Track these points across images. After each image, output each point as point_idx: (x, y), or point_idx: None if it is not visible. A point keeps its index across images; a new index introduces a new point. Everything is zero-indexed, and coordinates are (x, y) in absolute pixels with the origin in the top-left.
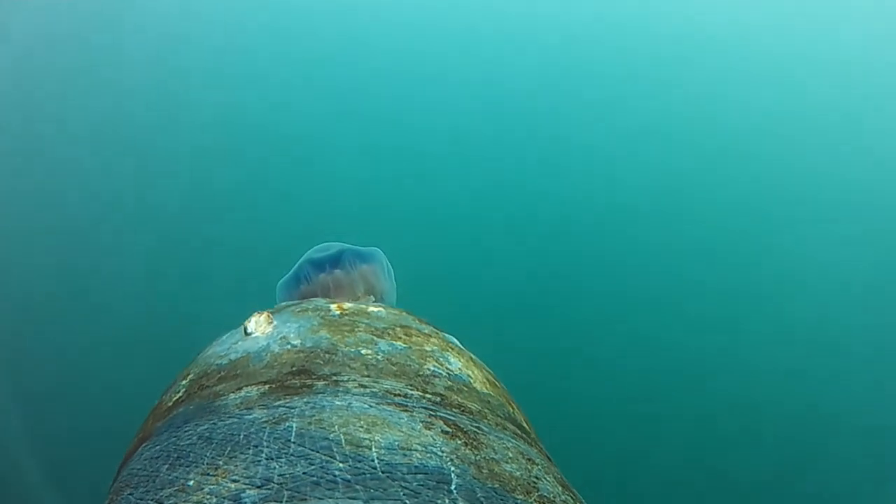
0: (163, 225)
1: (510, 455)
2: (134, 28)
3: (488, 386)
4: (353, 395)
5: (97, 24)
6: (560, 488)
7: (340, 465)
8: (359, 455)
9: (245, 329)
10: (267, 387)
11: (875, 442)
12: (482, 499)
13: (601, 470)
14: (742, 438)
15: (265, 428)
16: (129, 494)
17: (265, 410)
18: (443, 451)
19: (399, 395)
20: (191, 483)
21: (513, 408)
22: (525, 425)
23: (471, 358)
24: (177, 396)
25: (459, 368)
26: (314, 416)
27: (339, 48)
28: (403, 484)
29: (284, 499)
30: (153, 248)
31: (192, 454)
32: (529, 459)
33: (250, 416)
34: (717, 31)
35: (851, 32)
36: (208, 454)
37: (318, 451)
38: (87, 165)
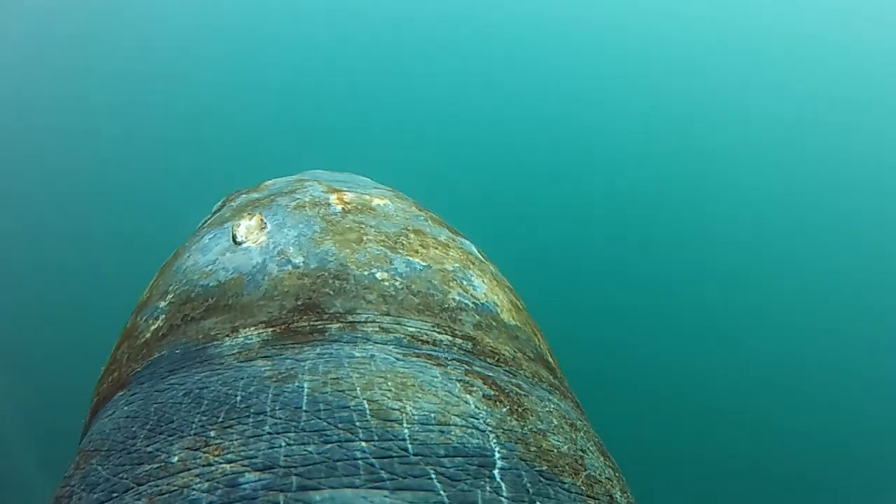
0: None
1: (555, 422)
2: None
3: (514, 313)
4: (375, 342)
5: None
6: (602, 459)
7: (364, 444)
8: (387, 431)
9: (234, 237)
10: (270, 331)
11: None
12: (528, 485)
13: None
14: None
15: (269, 386)
16: (99, 465)
17: (269, 362)
18: (487, 425)
19: (427, 341)
20: (175, 459)
21: (538, 338)
22: (551, 360)
23: (493, 275)
24: (155, 325)
25: (485, 294)
26: (329, 372)
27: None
28: (439, 469)
29: (293, 487)
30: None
31: (176, 417)
32: (572, 425)
33: (250, 369)
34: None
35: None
36: (196, 419)
37: (336, 426)
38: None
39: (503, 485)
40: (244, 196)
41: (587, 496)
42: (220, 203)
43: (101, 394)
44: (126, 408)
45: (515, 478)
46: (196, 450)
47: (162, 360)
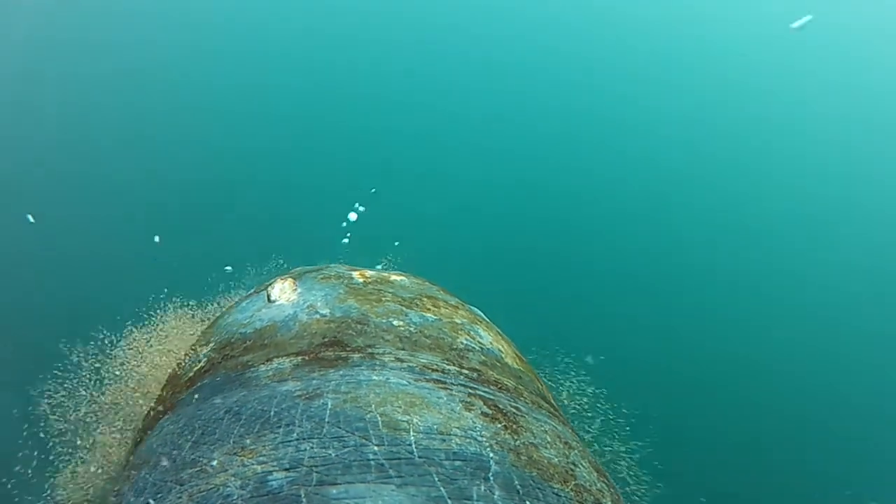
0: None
1: (549, 439)
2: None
3: (518, 361)
4: (391, 369)
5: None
6: (595, 474)
7: (376, 448)
8: (396, 438)
9: (268, 296)
10: (300, 358)
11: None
12: (519, 487)
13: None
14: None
15: (298, 403)
16: (147, 474)
17: (299, 383)
18: (483, 436)
19: (437, 370)
20: (214, 463)
21: (541, 384)
22: (553, 403)
23: (498, 332)
24: (198, 366)
25: (490, 342)
26: (350, 392)
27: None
28: (440, 470)
29: (313, 482)
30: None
31: (218, 430)
32: (566, 443)
33: (283, 388)
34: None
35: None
36: (236, 430)
37: (353, 433)
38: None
39: (496, 485)
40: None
41: (577, 501)
42: (253, 290)
43: (145, 426)
44: (171, 426)
45: (507, 480)
46: (233, 455)
47: (204, 386)
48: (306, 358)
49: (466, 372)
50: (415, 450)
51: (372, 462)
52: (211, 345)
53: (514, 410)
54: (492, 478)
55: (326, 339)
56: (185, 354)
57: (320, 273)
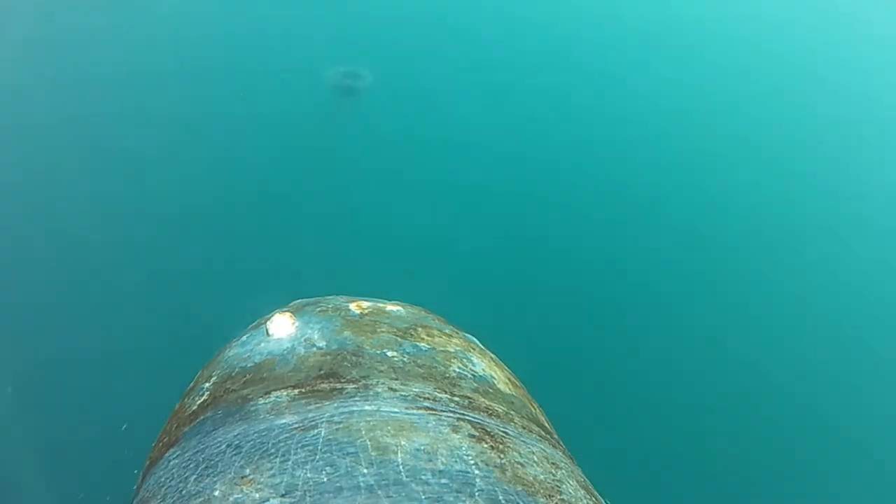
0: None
1: (535, 459)
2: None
3: (510, 386)
4: (383, 399)
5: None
6: (583, 492)
7: (365, 470)
8: (384, 460)
9: (267, 330)
10: (297, 391)
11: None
12: (503, 500)
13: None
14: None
15: (294, 434)
16: None
17: (296, 416)
18: (468, 455)
19: (428, 398)
20: (216, 493)
21: (534, 408)
22: (546, 426)
23: (492, 358)
24: (201, 400)
25: (483, 369)
26: (342, 421)
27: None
28: (426, 488)
29: None
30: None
31: (220, 463)
32: (554, 463)
33: (281, 422)
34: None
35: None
36: (236, 462)
37: (344, 458)
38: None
39: (480, 500)
40: (276, 311)
41: None
42: (254, 323)
43: (152, 459)
44: (177, 460)
45: (492, 495)
46: (234, 485)
47: (206, 420)
48: (303, 391)
49: (458, 399)
50: (402, 470)
51: (362, 483)
52: (213, 378)
53: (502, 433)
54: (477, 494)
55: (322, 372)
56: (190, 388)
57: (318, 306)
